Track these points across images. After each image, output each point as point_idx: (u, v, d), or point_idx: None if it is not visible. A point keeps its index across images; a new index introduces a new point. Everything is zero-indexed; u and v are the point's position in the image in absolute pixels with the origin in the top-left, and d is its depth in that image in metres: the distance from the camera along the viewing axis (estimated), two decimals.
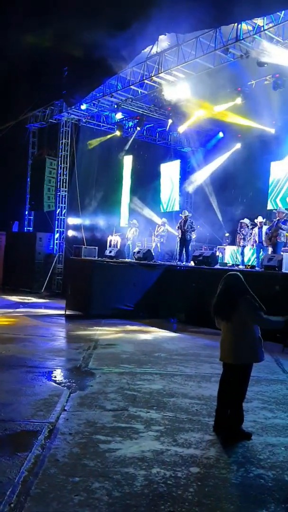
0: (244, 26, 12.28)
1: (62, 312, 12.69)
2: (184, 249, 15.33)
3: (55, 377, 6.36)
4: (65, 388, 5.78)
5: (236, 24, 12.30)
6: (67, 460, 3.73)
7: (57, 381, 6.11)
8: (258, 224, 14.67)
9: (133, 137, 20.46)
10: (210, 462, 3.85)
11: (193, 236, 15.94)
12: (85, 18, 12.89)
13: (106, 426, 4.52)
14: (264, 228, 14.41)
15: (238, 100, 15.67)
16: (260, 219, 14.81)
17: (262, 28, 11.99)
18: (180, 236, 15.59)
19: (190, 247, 15.66)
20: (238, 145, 19.88)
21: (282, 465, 3.87)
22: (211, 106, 16.86)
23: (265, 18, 11.88)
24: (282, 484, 3.54)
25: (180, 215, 16.09)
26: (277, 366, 7.77)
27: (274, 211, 14.76)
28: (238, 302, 4.48)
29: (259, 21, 12.01)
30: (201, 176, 21.44)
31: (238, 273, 4.78)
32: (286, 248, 14.64)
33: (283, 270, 10.93)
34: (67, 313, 12.52)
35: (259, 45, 12.34)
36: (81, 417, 4.75)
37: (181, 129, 19.04)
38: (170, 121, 18.39)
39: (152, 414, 4.93)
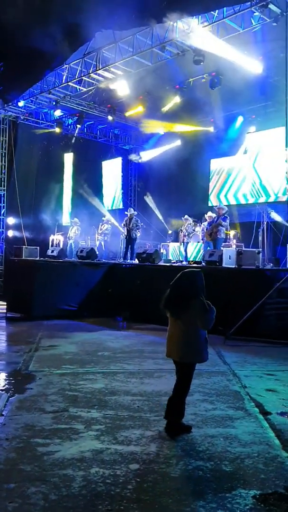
0: (180, 25, 12.41)
1: (3, 315, 12.34)
2: (129, 247, 15.34)
3: None
4: (3, 392, 5.61)
5: (172, 22, 12.41)
6: (2, 467, 3.61)
7: None
8: (208, 218, 14.77)
9: (75, 134, 20.27)
10: (150, 457, 3.84)
11: (138, 234, 16.00)
12: (21, 12, 12.59)
13: (45, 429, 4.42)
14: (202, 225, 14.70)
15: (177, 99, 15.86)
16: (210, 214, 14.93)
17: (197, 26, 12.19)
18: (125, 234, 15.58)
19: (135, 245, 15.70)
20: (178, 142, 20.12)
21: (220, 455, 3.93)
22: (150, 103, 16.96)
23: (200, 17, 12.07)
24: (219, 474, 3.59)
25: (126, 213, 16.09)
26: (219, 358, 7.91)
27: (214, 207, 15.04)
28: (191, 302, 4.39)
29: (194, 20, 12.19)
30: (143, 173, 21.56)
31: (200, 271, 4.61)
32: (226, 243, 15.01)
33: (223, 265, 11.18)
34: (7, 315, 12.19)
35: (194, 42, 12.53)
36: (19, 421, 4.62)
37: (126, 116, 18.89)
38: (110, 118, 18.33)
39: (93, 414, 4.88)
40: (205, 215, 15.16)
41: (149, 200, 21.19)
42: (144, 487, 3.35)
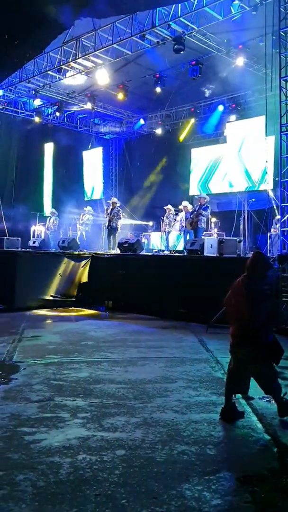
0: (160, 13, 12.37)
1: None
2: (110, 237, 15.32)
3: None
4: None
5: (151, 10, 12.35)
6: None
7: None
8: (183, 209, 14.85)
9: (55, 124, 20.06)
10: (136, 443, 3.91)
11: (119, 223, 15.96)
12: None
13: (31, 418, 4.45)
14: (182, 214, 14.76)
15: (157, 88, 15.81)
16: (186, 203, 14.99)
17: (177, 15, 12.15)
18: (106, 224, 15.52)
19: (117, 234, 15.67)
20: (159, 131, 20.10)
21: (204, 439, 4.02)
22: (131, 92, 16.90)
23: (180, 5, 12.02)
24: (204, 458, 3.67)
25: (108, 201, 16.04)
26: (201, 346, 8.02)
27: (196, 197, 15.11)
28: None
29: (174, 8, 12.15)
30: (124, 162, 21.52)
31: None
32: (208, 232, 15.12)
33: (205, 254, 11.28)
34: None
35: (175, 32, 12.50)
36: (4, 411, 4.63)
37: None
38: (89, 105, 18.18)
39: (79, 402, 4.92)
40: (180, 206, 15.20)
41: (129, 189, 21.19)
42: (131, 471, 3.42)
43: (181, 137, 19.57)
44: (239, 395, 5.27)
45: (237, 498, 3.12)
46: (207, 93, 16.65)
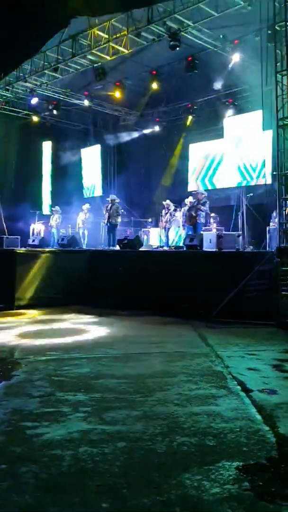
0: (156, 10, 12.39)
1: None
2: (110, 234, 15.39)
3: None
4: None
5: (147, 8, 12.37)
6: None
7: None
8: (189, 204, 14.86)
9: (52, 122, 20.08)
10: (136, 435, 3.96)
11: (119, 220, 16.01)
12: None
13: (33, 413, 4.50)
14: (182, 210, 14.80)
15: (154, 84, 15.84)
16: (190, 199, 15.01)
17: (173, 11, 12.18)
18: (106, 220, 15.60)
19: (116, 231, 15.74)
20: (156, 128, 20.14)
21: (204, 431, 4.07)
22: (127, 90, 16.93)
23: (174, 1, 12.04)
24: (204, 449, 3.73)
25: (107, 199, 16.10)
26: (201, 341, 8.07)
27: (193, 192, 15.15)
28: None
29: (169, 5, 12.17)
30: (122, 159, 21.55)
31: None
32: (207, 227, 15.18)
33: (204, 249, 11.34)
34: None
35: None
36: (7, 406, 4.69)
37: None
38: (86, 103, 18.21)
39: (80, 397, 4.98)
40: (186, 200, 15.26)
41: (128, 186, 21.21)
42: (132, 462, 3.48)
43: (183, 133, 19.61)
44: (238, 387, 5.35)
45: (236, 486, 3.17)
46: (203, 88, 16.64)
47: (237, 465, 3.47)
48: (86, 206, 18.16)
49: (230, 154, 16.41)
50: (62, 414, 4.48)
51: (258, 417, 4.48)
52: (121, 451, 3.66)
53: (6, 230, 17.82)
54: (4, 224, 18.32)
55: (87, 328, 9.26)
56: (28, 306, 11.77)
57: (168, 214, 15.43)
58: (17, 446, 3.76)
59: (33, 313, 11.25)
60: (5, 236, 15.12)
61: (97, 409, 4.60)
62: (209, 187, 17.90)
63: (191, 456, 3.60)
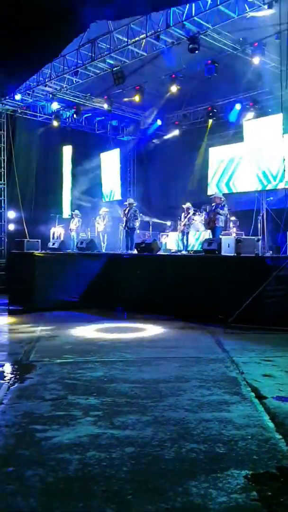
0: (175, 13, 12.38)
1: (5, 307, 12.47)
2: (128, 238, 15.41)
3: None
4: (4, 381, 5.72)
5: (166, 11, 12.38)
6: (2, 452, 3.72)
7: None
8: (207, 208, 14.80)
9: (73, 127, 20.26)
10: (145, 441, 3.93)
11: (137, 224, 16.02)
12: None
13: (43, 416, 4.52)
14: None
15: (174, 88, 15.83)
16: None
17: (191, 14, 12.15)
18: (124, 224, 15.65)
19: (134, 235, 15.75)
20: (176, 132, 20.10)
21: (214, 438, 4.02)
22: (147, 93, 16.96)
23: (193, 4, 12.02)
24: (212, 456, 3.67)
25: (125, 203, 16.14)
26: (217, 346, 7.99)
27: (211, 196, 15.07)
28: None
29: (188, 8, 12.15)
30: (142, 163, 21.58)
31: None
32: (226, 231, 15.08)
33: (222, 253, 11.23)
34: (10, 308, 12.31)
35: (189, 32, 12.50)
36: (19, 408, 4.72)
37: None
38: (106, 107, 18.30)
39: (91, 401, 4.97)
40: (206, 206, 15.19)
41: (147, 190, 21.22)
42: (139, 468, 3.45)
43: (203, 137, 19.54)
44: (252, 394, 5.27)
45: (244, 496, 3.11)
46: (223, 91, 16.53)
47: (246, 474, 3.40)
48: (104, 210, 18.22)
49: (250, 158, 16.26)
50: (73, 417, 4.48)
51: (271, 424, 4.40)
52: (129, 456, 3.63)
53: (27, 234, 18.02)
54: (25, 227, 18.52)
55: (103, 332, 9.27)
56: (46, 309, 11.83)
57: (187, 218, 15.36)
58: (25, 449, 3.77)
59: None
60: (26, 239, 15.27)
61: (107, 413, 4.59)
62: (229, 191, 17.76)
63: (199, 463, 3.55)
